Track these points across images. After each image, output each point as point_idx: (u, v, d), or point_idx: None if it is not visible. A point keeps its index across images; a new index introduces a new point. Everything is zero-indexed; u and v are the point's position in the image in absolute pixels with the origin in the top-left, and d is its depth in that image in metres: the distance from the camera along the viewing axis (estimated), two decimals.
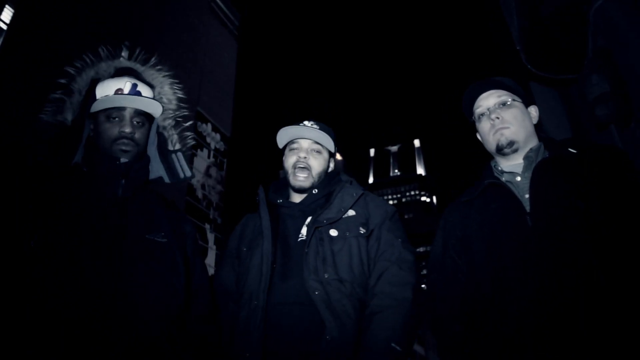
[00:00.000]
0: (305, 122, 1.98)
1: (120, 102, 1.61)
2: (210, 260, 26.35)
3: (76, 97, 1.68)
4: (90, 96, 1.66)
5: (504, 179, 1.66)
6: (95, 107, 1.61)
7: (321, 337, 1.56)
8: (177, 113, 1.86)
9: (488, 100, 1.73)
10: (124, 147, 1.60)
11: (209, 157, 29.40)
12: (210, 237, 27.68)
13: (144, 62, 1.83)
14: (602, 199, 1.43)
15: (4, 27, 15.95)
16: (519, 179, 1.63)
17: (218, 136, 30.66)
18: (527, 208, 1.52)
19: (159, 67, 1.84)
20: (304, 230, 1.82)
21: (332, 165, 2.04)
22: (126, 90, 1.63)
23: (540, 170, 1.56)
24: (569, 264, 1.38)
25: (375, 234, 1.80)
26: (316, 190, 1.93)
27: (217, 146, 30.48)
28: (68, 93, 1.68)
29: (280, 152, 2.07)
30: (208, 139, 29.53)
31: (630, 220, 1.39)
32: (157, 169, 1.78)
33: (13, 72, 15.01)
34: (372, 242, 1.78)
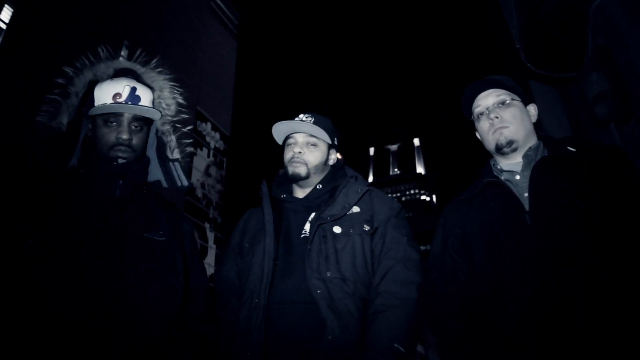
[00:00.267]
0: (301, 115, 1.95)
1: (117, 109, 1.60)
2: (210, 259, 26.34)
3: (73, 100, 1.66)
4: (88, 98, 1.65)
5: (503, 177, 1.66)
6: (93, 112, 1.60)
7: (322, 336, 1.54)
8: (175, 118, 1.85)
9: (487, 99, 1.73)
10: (120, 154, 1.59)
11: (208, 156, 29.36)
12: (210, 236, 27.66)
13: (144, 64, 1.82)
14: (601, 198, 1.43)
15: (4, 26, 15.93)
16: (518, 177, 1.63)
17: (218, 135, 30.63)
18: (527, 207, 1.52)
19: (159, 69, 1.83)
20: (307, 227, 1.79)
21: (332, 156, 2.00)
22: (125, 94, 1.62)
23: (540, 168, 1.56)
24: (568, 262, 1.38)
25: (380, 231, 1.77)
26: (320, 185, 1.90)
27: (217, 145, 30.44)
28: (64, 95, 1.67)
29: (280, 149, 2.04)
30: (208, 138, 29.50)
31: (629, 219, 1.39)
32: (155, 172, 1.78)
33: (13, 72, 14.99)
34: (377, 240, 1.76)
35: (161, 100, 1.80)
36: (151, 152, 1.78)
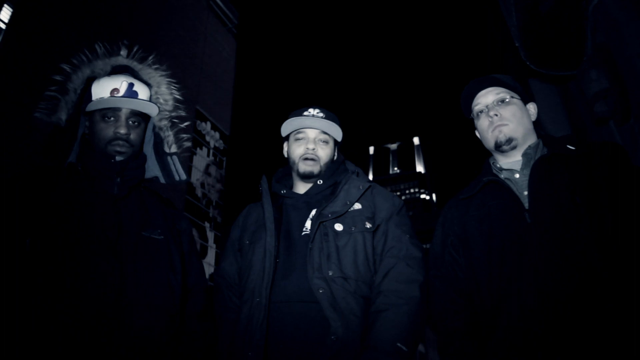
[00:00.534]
0: (310, 110, 1.91)
1: (115, 103, 1.60)
2: (210, 258, 26.33)
3: (71, 96, 1.66)
4: (86, 95, 1.65)
5: (502, 176, 1.66)
6: (91, 107, 1.60)
7: (325, 336, 1.53)
8: (173, 114, 1.84)
9: (486, 97, 1.73)
10: (118, 149, 1.59)
11: (208, 156, 29.36)
12: (210, 235, 27.65)
13: (141, 60, 1.81)
14: (601, 196, 1.43)
15: (3, 26, 15.91)
16: (517, 176, 1.63)
17: (217, 134, 30.62)
18: (526, 205, 1.52)
19: (156, 66, 1.82)
20: (307, 224, 1.77)
21: (336, 153, 1.98)
22: (122, 90, 1.62)
23: (539, 167, 1.56)
24: (568, 260, 1.38)
25: (382, 228, 1.75)
26: (321, 181, 1.87)
27: (217, 145, 30.43)
28: (63, 92, 1.67)
29: (281, 143, 2.02)
30: (207, 138, 29.49)
31: (629, 216, 1.39)
32: (153, 169, 1.78)
33: (12, 72, 14.98)
34: (379, 237, 1.74)
35: (159, 96, 1.80)
36: (148, 149, 1.78)
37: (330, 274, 1.62)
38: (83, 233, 1.43)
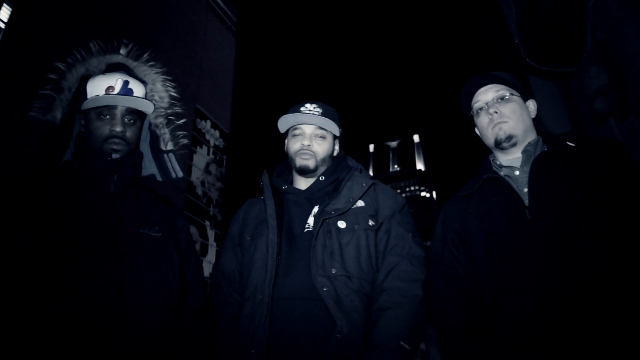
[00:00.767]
0: (307, 105, 1.90)
1: (111, 101, 1.59)
2: (211, 257, 26.34)
3: (66, 95, 1.66)
4: (81, 93, 1.64)
5: (502, 173, 1.66)
6: (86, 105, 1.60)
7: (329, 334, 1.52)
8: (169, 111, 1.83)
9: (486, 94, 1.73)
10: (114, 147, 1.58)
11: (208, 154, 29.35)
12: (211, 233, 27.66)
13: (137, 58, 1.81)
14: (601, 193, 1.43)
15: (2, 26, 15.90)
16: (517, 173, 1.63)
17: (217, 133, 30.60)
18: (526, 202, 1.52)
19: (151, 63, 1.82)
20: (310, 221, 1.76)
21: (336, 147, 1.96)
22: (117, 87, 1.61)
23: (539, 164, 1.56)
24: (568, 259, 1.37)
25: (385, 226, 1.74)
26: (323, 177, 1.87)
27: (217, 143, 30.42)
28: (58, 90, 1.66)
29: (281, 140, 2.01)
30: (207, 136, 29.48)
31: (629, 213, 1.39)
32: (149, 166, 1.77)
33: (12, 72, 14.97)
34: (381, 235, 1.73)
35: (154, 94, 1.80)
36: (144, 147, 1.77)
37: (334, 271, 1.61)
38: (82, 232, 1.42)
